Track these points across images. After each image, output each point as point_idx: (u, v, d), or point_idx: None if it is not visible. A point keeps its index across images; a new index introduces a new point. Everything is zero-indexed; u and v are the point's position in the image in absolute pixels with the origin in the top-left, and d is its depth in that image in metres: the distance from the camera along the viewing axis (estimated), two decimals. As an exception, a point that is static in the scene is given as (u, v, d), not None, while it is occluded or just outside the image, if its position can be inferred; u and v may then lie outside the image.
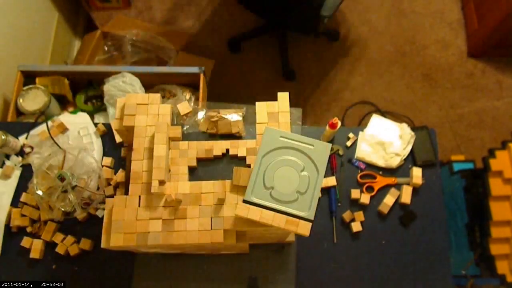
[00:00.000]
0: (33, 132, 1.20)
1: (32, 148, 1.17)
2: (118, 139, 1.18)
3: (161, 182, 0.81)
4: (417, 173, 1.11)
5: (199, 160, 1.00)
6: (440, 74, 2.13)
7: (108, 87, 1.48)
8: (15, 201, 1.11)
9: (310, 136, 0.75)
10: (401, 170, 1.15)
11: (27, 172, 1.15)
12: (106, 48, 1.90)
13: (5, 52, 1.52)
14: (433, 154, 1.15)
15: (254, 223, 0.73)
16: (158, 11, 2.22)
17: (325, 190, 1.12)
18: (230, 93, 2.08)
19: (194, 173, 1.01)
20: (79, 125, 1.21)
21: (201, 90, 1.53)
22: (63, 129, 1.20)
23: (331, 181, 1.12)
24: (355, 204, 1.12)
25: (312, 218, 0.71)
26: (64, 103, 1.60)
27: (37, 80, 1.51)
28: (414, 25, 2.23)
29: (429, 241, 1.09)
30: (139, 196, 0.81)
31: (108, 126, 1.20)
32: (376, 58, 2.16)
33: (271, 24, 2.10)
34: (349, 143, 1.17)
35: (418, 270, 1.07)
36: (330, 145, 0.75)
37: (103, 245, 0.79)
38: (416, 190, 1.12)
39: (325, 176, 1.11)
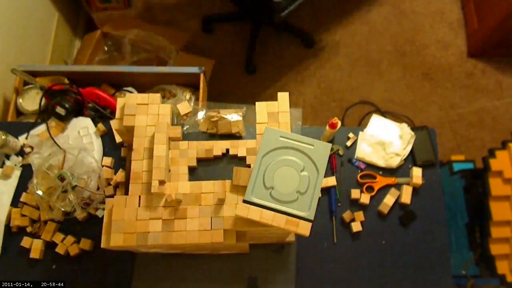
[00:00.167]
0: (33, 132, 1.20)
1: (32, 148, 1.17)
2: (118, 139, 1.18)
3: (161, 182, 0.81)
4: (417, 173, 1.11)
5: (199, 160, 1.00)
6: (440, 74, 2.13)
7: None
8: (15, 201, 1.11)
9: (310, 136, 0.75)
10: (401, 170, 1.15)
11: (27, 172, 1.15)
12: (106, 48, 1.90)
13: (5, 52, 1.52)
14: (433, 154, 1.15)
15: (254, 223, 0.73)
16: (158, 11, 2.22)
17: (325, 190, 1.12)
18: (230, 93, 2.08)
19: (194, 173, 1.01)
20: (79, 125, 1.21)
21: (201, 90, 1.53)
22: (63, 129, 1.20)
23: (331, 181, 1.12)
24: (355, 204, 1.12)
25: (312, 218, 0.71)
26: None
27: (37, 80, 1.51)
28: (414, 25, 2.23)
29: (429, 241, 1.09)
30: (139, 196, 0.81)
31: (108, 126, 1.20)
32: (376, 58, 2.16)
33: (241, 12, 2.14)
34: (349, 143, 1.17)
35: (418, 270, 1.07)
36: (330, 145, 0.75)
37: (103, 245, 0.79)
38: (416, 190, 1.12)
39: (325, 176, 1.11)
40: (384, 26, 2.23)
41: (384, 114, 2.01)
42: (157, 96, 0.90)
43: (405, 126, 1.18)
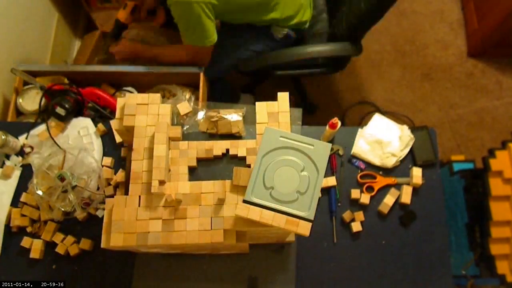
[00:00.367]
0: (33, 132, 1.20)
1: (32, 148, 1.17)
2: (118, 139, 1.18)
3: (161, 182, 0.81)
4: (417, 173, 1.11)
5: (199, 160, 1.00)
6: (440, 74, 2.13)
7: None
8: (15, 201, 1.11)
9: (310, 136, 0.75)
10: (401, 170, 1.15)
11: (27, 172, 1.15)
12: (106, 48, 1.89)
13: (5, 52, 1.52)
14: (433, 154, 1.15)
15: (254, 223, 0.73)
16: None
17: (325, 190, 1.12)
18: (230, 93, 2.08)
19: (194, 173, 1.01)
20: (79, 125, 1.21)
21: (201, 90, 1.53)
22: (63, 129, 1.20)
23: (331, 181, 1.12)
24: (355, 204, 1.12)
25: (312, 218, 0.71)
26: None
27: (37, 80, 1.51)
28: (414, 25, 2.23)
29: (429, 241, 1.09)
30: (139, 196, 0.81)
31: (108, 126, 1.20)
32: (376, 58, 2.16)
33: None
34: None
35: (418, 270, 1.07)
36: (330, 145, 0.75)
37: (103, 245, 0.79)
38: (416, 190, 1.12)
39: (325, 176, 1.11)
40: (384, 26, 2.22)
41: (384, 114, 2.01)
42: (157, 96, 0.90)
43: (405, 128, 1.18)
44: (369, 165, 1.15)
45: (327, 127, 1.09)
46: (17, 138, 1.18)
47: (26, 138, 1.19)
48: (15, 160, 1.17)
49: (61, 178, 0.99)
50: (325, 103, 2.06)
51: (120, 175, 1.10)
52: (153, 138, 0.85)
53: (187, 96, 1.59)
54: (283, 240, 1.04)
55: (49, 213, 1.06)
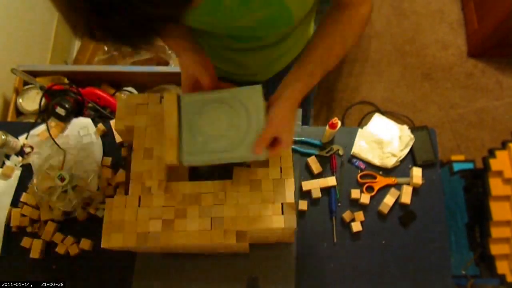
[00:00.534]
0: (33, 132, 1.20)
1: (32, 148, 1.17)
2: (118, 139, 1.18)
3: (161, 182, 0.81)
4: (417, 173, 1.11)
5: (199, 160, 1.00)
6: (440, 74, 2.13)
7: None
8: (15, 201, 1.11)
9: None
10: (401, 170, 1.15)
11: (27, 172, 1.15)
12: (106, 48, 1.89)
13: (5, 52, 1.52)
14: (433, 154, 1.15)
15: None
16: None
17: (325, 190, 1.12)
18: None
19: (194, 173, 1.01)
20: (79, 125, 1.21)
21: (201, 90, 1.53)
22: (63, 129, 1.20)
23: (331, 181, 1.12)
24: (355, 204, 1.12)
25: (264, 158, 0.71)
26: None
27: (37, 80, 1.51)
28: (414, 25, 2.23)
29: (429, 241, 1.09)
30: (139, 196, 0.81)
31: (108, 126, 1.20)
32: (376, 58, 2.16)
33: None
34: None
35: (418, 270, 1.07)
36: (260, 86, 0.75)
37: (103, 245, 0.79)
38: (416, 190, 1.12)
39: (325, 176, 1.12)
40: (384, 26, 2.23)
41: (384, 114, 2.01)
42: (157, 96, 0.90)
43: (406, 128, 1.18)
44: (369, 165, 1.15)
45: (327, 127, 1.09)
46: (17, 138, 1.18)
47: (26, 138, 1.19)
48: (15, 160, 1.17)
49: (61, 178, 0.99)
50: (326, 103, 2.07)
51: (120, 175, 1.10)
52: (153, 138, 0.85)
53: (187, 96, 1.59)
54: (283, 240, 1.04)
55: (49, 213, 1.06)
